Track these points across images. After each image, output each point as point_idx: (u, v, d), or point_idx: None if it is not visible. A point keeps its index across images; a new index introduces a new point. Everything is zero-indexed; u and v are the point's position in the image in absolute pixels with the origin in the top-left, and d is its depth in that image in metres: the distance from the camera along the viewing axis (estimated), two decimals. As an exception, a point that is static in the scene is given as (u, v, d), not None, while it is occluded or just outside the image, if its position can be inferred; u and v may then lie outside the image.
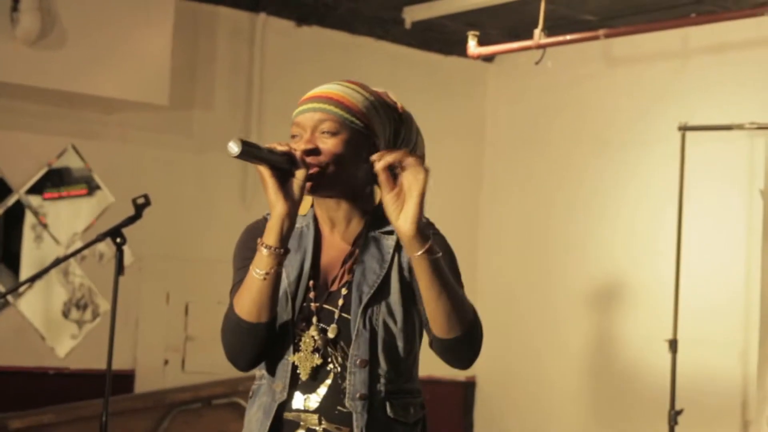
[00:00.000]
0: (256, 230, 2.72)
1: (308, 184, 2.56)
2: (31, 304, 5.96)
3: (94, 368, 5.76)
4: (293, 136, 2.64)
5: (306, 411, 2.62)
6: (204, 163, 6.41)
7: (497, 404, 7.29)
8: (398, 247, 2.65)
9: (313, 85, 2.75)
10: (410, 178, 2.53)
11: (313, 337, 2.60)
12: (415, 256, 2.49)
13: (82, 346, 6.04)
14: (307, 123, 2.61)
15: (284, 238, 2.52)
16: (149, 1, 5.82)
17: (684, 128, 5.72)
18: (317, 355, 2.60)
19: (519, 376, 7.15)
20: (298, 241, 2.69)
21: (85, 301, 6.08)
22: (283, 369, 2.63)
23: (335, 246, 2.70)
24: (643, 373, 6.40)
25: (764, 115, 5.78)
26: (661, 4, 6.20)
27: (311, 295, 2.64)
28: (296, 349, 2.62)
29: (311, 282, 2.65)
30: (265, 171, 2.52)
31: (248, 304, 2.56)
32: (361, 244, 2.67)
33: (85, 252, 5.86)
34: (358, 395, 2.58)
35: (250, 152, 2.48)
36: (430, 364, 7.77)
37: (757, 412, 5.73)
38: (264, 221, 2.72)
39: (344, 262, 2.67)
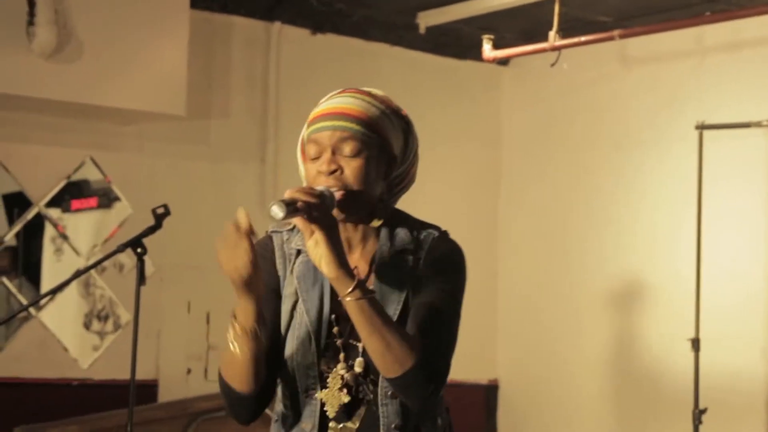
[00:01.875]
0: (267, 251, 2.63)
1: (341, 211, 2.47)
2: (53, 317, 5.98)
3: (118, 379, 5.78)
4: (310, 155, 2.54)
5: None
6: (222, 172, 6.42)
7: (520, 407, 7.28)
8: (414, 269, 2.54)
9: (328, 93, 2.69)
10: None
11: (341, 375, 2.51)
12: (342, 297, 2.38)
13: (104, 357, 6.06)
14: (327, 142, 2.50)
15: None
16: (164, 11, 5.83)
17: (701, 127, 5.71)
18: (345, 391, 2.52)
19: (541, 379, 7.14)
20: (314, 273, 2.54)
21: (107, 312, 6.10)
22: (311, 408, 2.55)
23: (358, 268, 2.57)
24: (666, 373, 6.38)
25: (781, 112, 5.77)
26: (675, 4, 6.19)
27: (335, 330, 2.53)
28: (324, 386, 2.53)
29: (333, 315, 2.53)
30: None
31: (229, 372, 2.50)
32: (377, 267, 2.55)
33: (106, 263, 5.89)
34: (393, 426, 2.52)
35: (292, 209, 2.36)
36: (453, 368, 7.77)
37: (781, 409, 5.72)
38: (269, 239, 2.65)
39: None
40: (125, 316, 6.09)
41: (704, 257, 5.70)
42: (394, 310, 2.50)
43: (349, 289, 2.36)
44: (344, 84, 7.42)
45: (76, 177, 6.05)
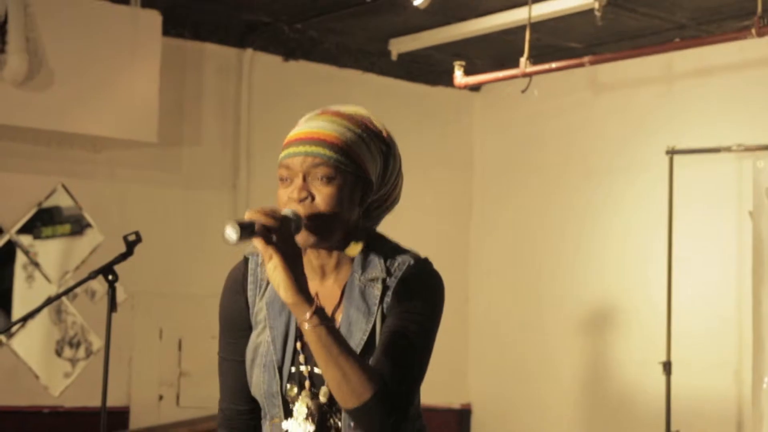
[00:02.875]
0: (236, 283, 2.61)
1: (310, 236, 2.42)
2: (24, 344, 5.95)
3: (89, 406, 5.76)
4: (281, 179, 2.47)
5: None
6: (193, 199, 6.42)
7: (493, 430, 7.28)
8: (383, 297, 2.47)
9: (304, 116, 2.65)
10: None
11: (306, 404, 2.48)
12: (300, 324, 2.33)
13: (76, 384, 6.03)
14: (298, 167, 2.43)
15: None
16: (136, 39, 5.83)
17: (671, 152, 5.76)
18: (310, 420, 2.49)
19: (514, 403, 7.15)
20: (282, 301, 2.44)
21: (78, 339, 6.08)
22: None
23: (325, 298, 2.52)
24: (638, 396, 6.40)
25: (750, 137, 5.82)
26: (644, 31, 6.24)
27: (301, 358, 2.49)
28: (289, 415, 2.51)
29: (299, 343, 2.50)
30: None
31: None
32: (346, 295, 2.49)
33: (77, 290, 5.87)
34: None
35: (248, 232, 2.28)
36: (426, 393, 7.74)
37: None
38: (243, 264, 2.61)
39: (332, 316, 2.49)
40: (97, 342, 6.07)
41: (675, 281, 5.74)
42: (359, 339, 2.45)
43: (307, 316, 2.30)
44: (316, 110, 7.39)
45: (47, 204, 6.03)
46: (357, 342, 2.43)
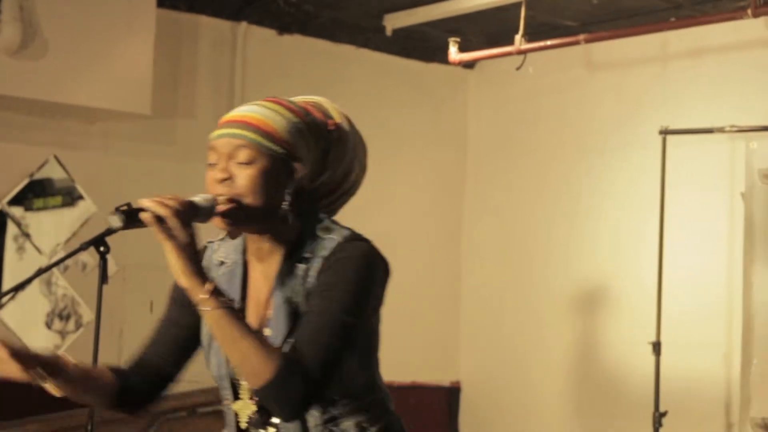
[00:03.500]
0: None
1: (224, 221, 2.50)
2: (14, 315, 5.94)
3: (79, 378, 5.75)
4: (208, 162, 2.56)
5: None
6: (187, 172, 6.39)
7: (482, 409, 7.30)
8: (307, 276, 2.51)
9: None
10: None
11: (246, 384, 2.54)
12: (198, 308, 2.40)
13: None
14: (223, 149, 2.52)
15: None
16: (131, 10, 5.81)
17: (665, 132, 5.75)
18: (252, 401, 2.58)
19: (504, 382, 7.16)
20: (228, 284, 2.60)
21: (68, 312, 6.07)
22: (230, 416, 2.63)
23: (265, 280, 2.60)
24: (628, 376, 6.42)
25: (744, 118, 5.82)
26: (640, 10, 6.23)
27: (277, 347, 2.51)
28: (237, 397, 2.60)
29: None
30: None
31: None
32: (278, 277, 2.55)
33: (68, 262, 5.86)
34: None
35: (133, 219, 2.41)
36: (416, 371, 7.77)
37: (741, 413, 5.75)
38: (203, 250, 2.69)
39: (269, 298, 2.57)
40: (87, 315, 6.07)
41: (666, 261, 5.75)
42: (287, 320, 2.50)
43: (200, 299, 2.38)
44: (310, 85, 7.42)
45: (39, 175, 6.02)
46: (284, 322, 2.49)
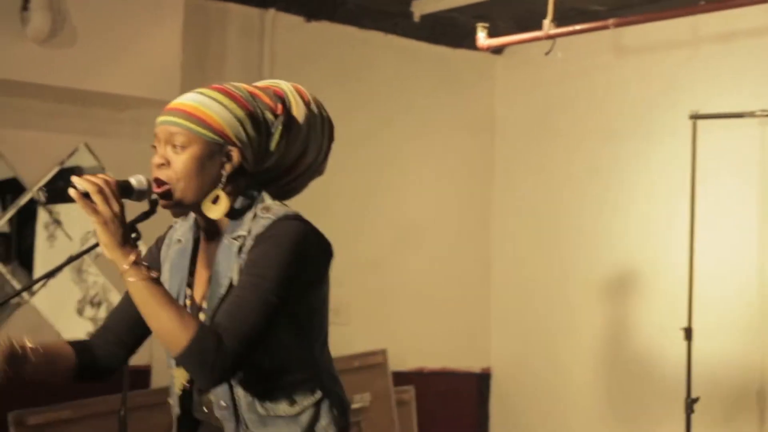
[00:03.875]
0: (157, 242, 2.95)
1: (162, 202, 2.69)
2: (45, 303, 5.98)
3: (111, 364, 5.77)
4: (153, 147, 2.74)
5: (207, 412, 2.77)
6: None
7: (512, 395, 7.30)
8: (240, 251, 2.65)
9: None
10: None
11: None
12: (123, 279, 2.57)
13: (96, 343, 6.04)
14: (161, 135, 2.71)
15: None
16: (159, -3, 5.84)
17: (695, 117, 5.72)
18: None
19: (534, 367, 7.15)
20: (179, 261, 2.82)
21: (99, 299, 6.10)
22: (172, 384, 2.83)
23: (210, 257, 2.76)
24: (659, 362, 6.40)
25: (775, 102, 5.78)
26: (670, -7, 6.20)
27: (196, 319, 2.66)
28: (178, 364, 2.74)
29: (188, 301, 2.77)
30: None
31: None
32: (218, 254, 2.71)
33: (99, 249, 5.87)
34: (221, 405, 2.71)
35: (57, 195, 2.63)
36: (446, 357, 7.76)
37: (773, 398, 5.74)
38: (169, 228, 2.92)
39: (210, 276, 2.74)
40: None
41: (697, 246, 5.72)
42: (219, 296, 2.65)
43: (123, 269, 2.55)
44: (338, 71, 7.38)
45: (69, 163, 6.04)
46: (218, 296, 2.65)
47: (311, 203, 6.93)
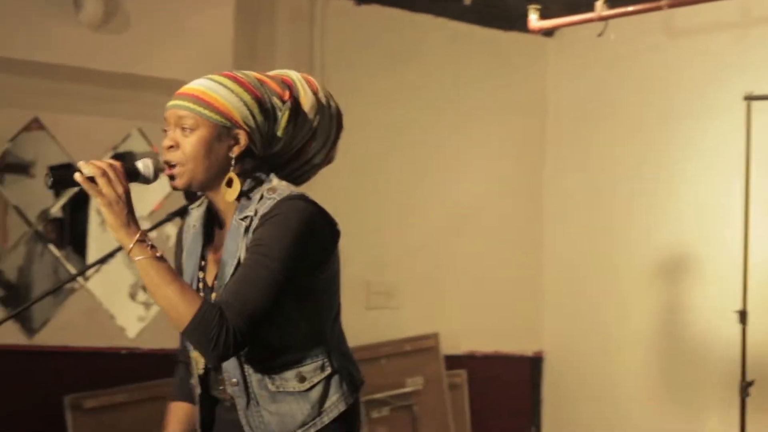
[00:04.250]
0: (179, 231, 3.04)
1: (172, 183, 2.80)
2: (99, 287, 6.03)
3: (166, 348, 5.81)
4: (164, 131, 2.82)
5: (221, 389, 2.88)
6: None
7: (565, 379, 7.27)
8: (246, 231, 2.74)
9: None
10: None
11: None
12: (130, 258, 2.67)
13: (151, 327, 6.09)
14: (171, 119, 2.78)
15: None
16: (210, -18, 5.86)
17: (749, 98, 5.67)
18: None
19: (587, 351, 7.12)
20: (194, 244, 2.93)
21: (152, 284, 6.12)
22: (193, 365, 2.94)
23: (220, 240, 2.85)
24: (713, 345, 6.35)
25: (831, 82, 5.72)
26: (723, -27, 6.13)
27: (200, 294, 2.78)
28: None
29: (200, 284, 2.87)
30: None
31: None
32: (227, 234, 2.80)
33: (152, 234, 5.89)
34: (232, 381, 2.80)
35: (61, 180, 2.70)
36: (498, 340, 7.73)
37: (829, 381, 5.68)
38: (187, 216, 3.01)
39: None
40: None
41: (752, 228, 5.67)
42: (228, 274, 2.73)
43: (128, 248, 2.65)
44: (387, 55, 7.36)
45: (122, 148, 6.08)
46: (227, 275, 2.74)
47: (363, 188, 6.98)
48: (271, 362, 2.78)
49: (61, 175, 2.67)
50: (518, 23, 6.83)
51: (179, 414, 3.07)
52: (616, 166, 7.01)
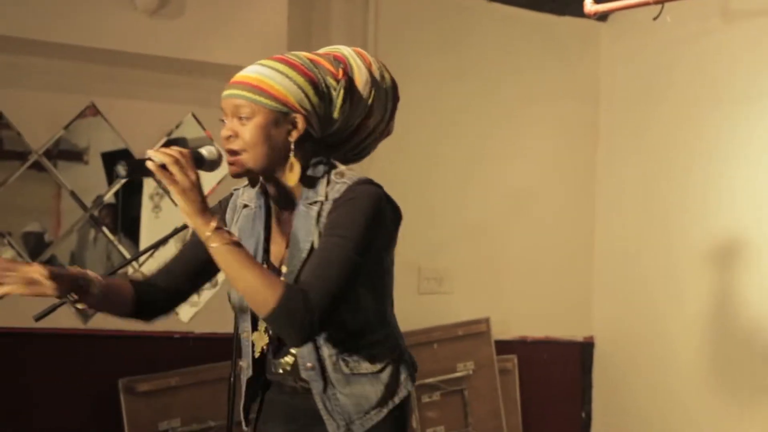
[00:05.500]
0: (219, 208, 3.05)
1: (234, 171, 2.80)
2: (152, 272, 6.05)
3: (218, 332, 5.86)
4: (222, 120, 2.85)
5: (283, 373, 2.89)
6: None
7: (616, 365, 7.25)
8: (319, 217, 2.76)
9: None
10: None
11: None
12: (206, 246, 2.67)
13: (203, 312, 6.13)
14: (227, 109, 2.83)
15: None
16: (264, -34, 5.87)
17: (805, 82, 5.62)
18: (268, 332, 2.89)
19: (638, 337, 7.09)
20: (252, 225, 2.94)
21: (204, 269, 6.15)
22: (246, 347, 2.94)
23: (284, 223, 2.87)
24: (767, 332, 6.31)
25: None
26: (780, -44, 6.07)
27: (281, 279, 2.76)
28: (255, 329, 2.92)
29: (265, 264, 2.86)
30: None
31: None
32: (295, 219, 2.82)
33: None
34: (307, 366, 2.83)
35: (136, 169, 2.71)
36: (549, 325, 7.72)
37: None
38: (230, 196, 3.05)
39: (289, 239, 2.84)
40: (222, 273, 6.14)
41: (808, 213, 5.63)
42: (301, 258, 2.75)
43: (205, 236, 2.65)
44: (440, 39, 7.33)
45: (177, 134, 6.11)
46: (300, 260, 2.76)
47: (415, 171, 6.96)
48: (345, 345, 2.81)
49: (135, 165, 2.69)
50: (571, 7, 6.80)
51: (116, 279, 3.02)
52: (670, 151, 6.96)
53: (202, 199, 2.68)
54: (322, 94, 2.81)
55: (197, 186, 2.68)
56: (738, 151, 6.59)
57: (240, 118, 2.78)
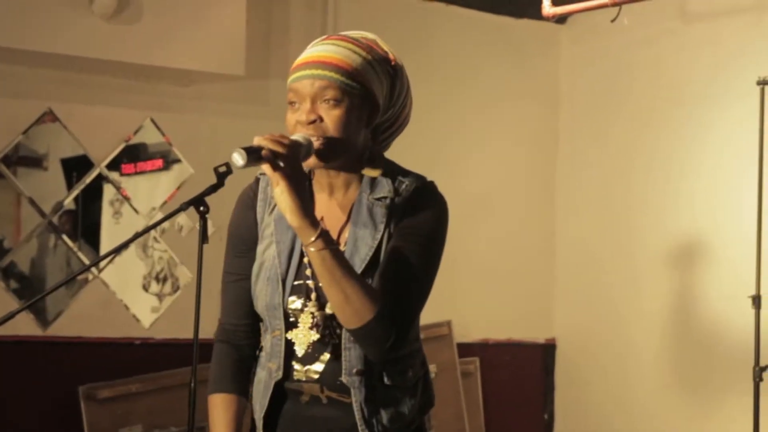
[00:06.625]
0: (248, 199, 2.75)
1: (318, 159, 2.54)
2: (113, 278, 6.03)
3: (179, 338, 5.83)
4: (290, 103, 2.59)
5: (308, 381, 2.63)
6: (281, 131, 6.42)
7: (578, 366, 7.27)
8: (390, 216, 2.58)
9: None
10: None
11: (312, 313, 2.59)
12: (305, 247, 2.44)
13: (165, 317, 6.10)
14: (307, 91, 2.55)
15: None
16: (222, -29, 5.86)
17: (763, 83, 5.64)
18: (315, 330, 2.59)
19: (600, 338, 7.12)
20: None
21: (165, 274, 6.14)
22: (277, 347, 2.64)
23: (332, 214, 2.64)
24: (727, 331, 6.34)
25: None
26: (736, -42, 6.11)
27: (308, 271, 2.60)
28: (293, 326, 2.61)
29: (306, 258, 2.58)
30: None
31: None
32: (354, 213, 2.61)
33: (165, 225, 5.95)
34: (354, 371, 2.59)
35: (255, 157, 2.42)
36: (511, 327, 7.73)
37: None
38: (255, 183, 2.75)
39: (340, 233, 2.62)
40: (184, 277, 6.13)
41: (765, 213, 5.65)
42: (365, 255, 2.56)
43: (312, 239, 2.41)
44: (401, 43, 7.35)
45: (136, 139, 6.08)
46: (362, 258, 2.56)
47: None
48: (394, 355, 2.61)
49: (252, 153, 2.43)
50: (530, 10, 6.82)
51: (232, 410, 2.74)
52: (629, 153, 6.99)
53: (308, 197, 2.49)
54: (385, 78, 2.63)
55: (304, 181, 2.48)
56: (696, 152, 6.63)
57: (327, 101, 2.53)
